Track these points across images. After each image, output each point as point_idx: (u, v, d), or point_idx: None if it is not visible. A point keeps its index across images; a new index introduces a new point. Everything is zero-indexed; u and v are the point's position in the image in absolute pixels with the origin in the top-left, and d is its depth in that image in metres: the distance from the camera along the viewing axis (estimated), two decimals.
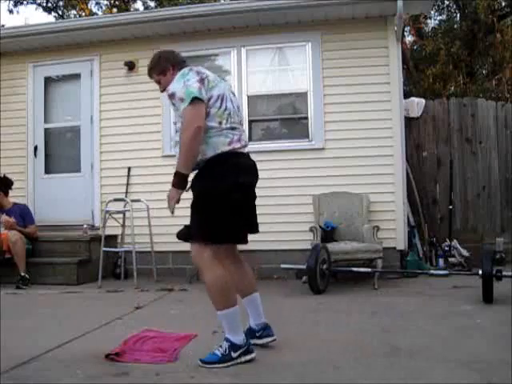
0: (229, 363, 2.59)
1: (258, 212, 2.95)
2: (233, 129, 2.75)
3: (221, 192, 2.67)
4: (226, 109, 2.74)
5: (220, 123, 2.70)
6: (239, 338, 2.64)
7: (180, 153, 2.62)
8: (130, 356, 2.76)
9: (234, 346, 2.61)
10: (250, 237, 2.93)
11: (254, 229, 2.91)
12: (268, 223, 6.01)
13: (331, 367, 2.56)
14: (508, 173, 6.92)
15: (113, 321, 3.75)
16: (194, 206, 2.79)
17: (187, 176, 2.67)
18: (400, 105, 6.00)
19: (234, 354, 2.60)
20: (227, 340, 2.63)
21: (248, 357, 2.63)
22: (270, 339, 2.89)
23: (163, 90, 2.93)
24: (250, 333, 2.92)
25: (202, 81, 2.67)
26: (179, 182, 2.67)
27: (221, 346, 2.63)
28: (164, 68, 2.92)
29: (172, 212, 2.76)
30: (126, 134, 6.51)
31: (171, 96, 2.70)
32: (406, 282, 5.35)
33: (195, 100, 2.58)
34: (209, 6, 6.47)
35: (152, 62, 3.00)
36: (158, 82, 2.98)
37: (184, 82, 2.65)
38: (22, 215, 5.98)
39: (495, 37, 12.08)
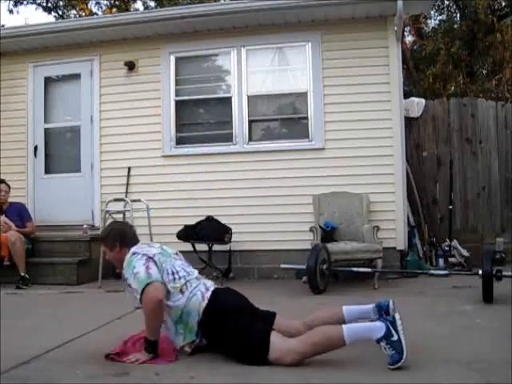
0: (403, 349, 2.48)
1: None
2: (194, 287, 2.84)
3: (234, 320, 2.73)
4: (180, 278, 2.85)
5: (182, 292, 2.81)
6: (379, 328, 2.52)
7: (146, 325, 2.72)
8: (130, 356, 2.75)
9: (385, 337, 2.50)
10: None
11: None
12: (268, 223, 6.03)
13: (331, 367, 2.55)
14: (508, 173, 6.93)
15: (113, 321, 3.75)
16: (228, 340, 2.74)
17: (156, 342, 2.73)
18: (400, 105, 6.00)
19: (394, 338, 2.49)
20: (378, 340, 2.52)
21: (398, 323, 2.52)
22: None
23: (111, 260, 3.05)
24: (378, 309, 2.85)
25: (148, 261, 2.77)
26: (149, 347, 2.72)
27: (384, 349, 2.52)
28: (112, 244, 3.00)
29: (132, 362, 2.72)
30: (126, 134, 6.51)
31: (128, 285, 2.81)
32: (406, 282, 5.35)
33: (147, 285, 2.67)
34: (209, 6, 6.47)
35: (103, 233, 3.15)
36: (104, 253, 3.10)
37: (133, 274, 2.74)
38: (20, 214, 5.99)
39: (495, 37, 12.08)
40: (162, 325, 2.77)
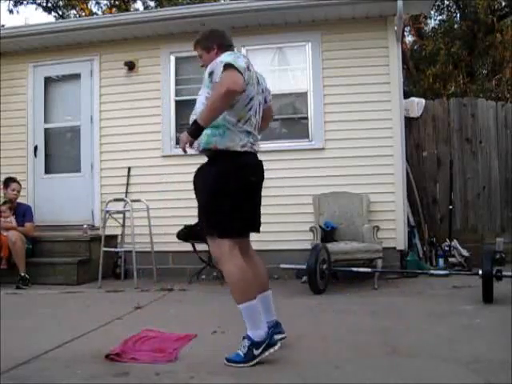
0: (253, 361, 2.58)
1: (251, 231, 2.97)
2: (248, 133, 2.78)
3: (230, 189, 2.70)
4: (249, 109, 2.77)
5: (238, 121, 2.72)
6: (260, 334, 2.61)
7: (206, 106, 2.62)
8: (130, 356, 2.75)
9: (255, 344, 2.59)
10: (250, 237, 2.94)
11: (258, 226, 2.96)
12: (268, 223, 5.98)
13: (332, 367, 2.56)
14: (508, 173, 6.92)
15: (113, 321, 3.75)
16: (203, 203, 2.79)
17: (203, 128, 2.62)
18: (400, 105, 6.00)
19: (256, 352, 2.58)
20: (248, 338, 2.61)
21: (272, 350, 2.62)
22: (279, 336, 2.86)
23: (203, 65, 2.94)
24: None
25: (247, 68, 2.69)
26: (194, 131, 2.62)
27: (242, 347, 2.61)
28: (210, 45, 2.91)
29: (183, 151, 2.72)
30: (126, 134, 6.51)
31: (210, 74, 2.70)
32: (406, 282, 5.35)
33: (235, 68, 2.56)
34: (209, 6, 6.46)
35: (200, 36, 3.00)
36: (200, 57, 2.98)
37: (234, 57, 2.67)
38: (23, 214, 5.99)
39: (495, 37, 12.08)
40: (220, 114, 2.63)
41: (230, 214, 2.70)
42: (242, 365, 2.57)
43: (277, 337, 2.82)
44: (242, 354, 2.60)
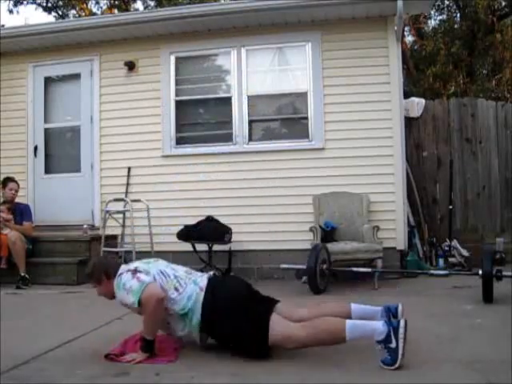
0: (399, 355, 2.47)
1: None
2: (187, 282, 2.87)
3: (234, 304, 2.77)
4: (175, 276, 2.88)
5: (177, 289, 2.82)
6: (377, 327, 2.53)
7: (146, 324, 2.74)
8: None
9: (384, 341, 2.50)
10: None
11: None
12: (268, 223, 6.03)
13: (332, 367, 2.55)
14: (508, 173, 6.92)
15: (113, 321, 3.75)
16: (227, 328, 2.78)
17: (153, 341, 2.76)
18: (400, 105, 6.00)
19: (392, 345, 2.49)
20: (378, 342, 2.53)
21: (401, 331, 2.49)
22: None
23: (110, 298, 3.00)
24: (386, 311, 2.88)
25: (134, 274, 2.80)
26: (145, 346, 2.74)
27: (380, 350, 2.53)
28: (98, 277, 2.99)
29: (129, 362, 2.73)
30: (126, 134, 6.51)
31: (124, 305, 2.85)
32: (406, 282, 5.35)
33: (143, 290, 2.70)
34: (209, 6, 6.46)
35: (87, 270, 3.11)
36: (95, 287, 3.06)
37: (126, 290, 2.76)
38: (22, 213, 5.99)
39: (495, 37, 12.08)
40: (160, 324, 2.79)
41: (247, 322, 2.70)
42: (395, 365, 2.47)
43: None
44: (387, 357, 2.50)
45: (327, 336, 2.61)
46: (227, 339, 2.79)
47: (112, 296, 2.93)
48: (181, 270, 3.00)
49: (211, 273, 3.04)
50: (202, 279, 2.91)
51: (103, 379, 2.46)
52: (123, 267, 2.96)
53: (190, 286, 2.85)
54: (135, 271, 2.83)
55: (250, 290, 2.94)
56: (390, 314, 2.80)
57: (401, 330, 2.50)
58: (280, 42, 6.33)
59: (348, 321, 2.61)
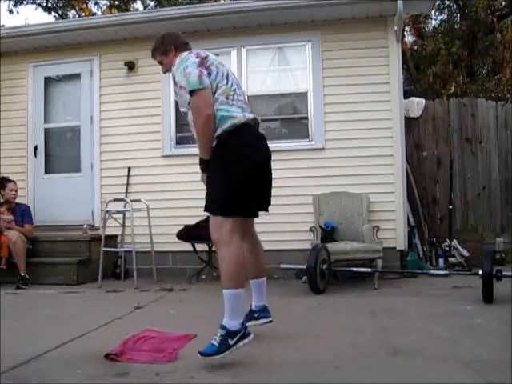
0: (227, 351, 2.57)
1: (258, 212, 2.96)
2: (241, 108, 2.80)
3: (237, 167, 2.69)
4: (231, 85, 2.81)
5: (227, 98, 2.75)
6: (235, 323, 2.61)
7: (198, 142, 2.73)
8: (130, 356, 2.75)
9: (230, 334, 2.59)
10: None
11: (266, 205, 2.96)
12: (268, 223, 5.99)
13: (332, 367, 2.55)
14: (508, 173, 6.92)
15: (113, 321, 3.74)
16: (211, 179, 2.79)
17: (209, 160, 2.75)
18: (400, 105, 6.00)
19: (231, 341, 2.58)
20: (223, 327, 2.61)
21: (246, 340, 2.63)
22: (265, 320, 2.96)
23: (165, 71, 3.03)
24: (250, 313, 3.00)
25: (201, 63, 2.73)
26: (205, 166, 2.79)
27: (216, 335, 2.61)
28: (166, 49, 2.98)
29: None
30: (126, 134, 6.51)
31: (174, 81, 2.80)
32: (406, 282, 5.35)
33: (198, 90, 2.65)
34: (209, 6, 6.48)
35: (155, 43, 3.08)
36: (161, 63, 3.06)
37: (183, 70, 2.72)
38: (23, 215, 5.99)
39: (495, 37, 12.08)
40: (212, 140, 2.71)
41: (236, 191, 2.68)
42: (216, 356, 2.55)
43: (263, 320, 2.93)
44: (216, 344, 2.58)
45: (227, 274, 2.63)
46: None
47: (167, 69, 2.94)
48: (243, 92, 2.94)
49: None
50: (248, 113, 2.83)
51: (103, 379, 2.46)
52: (194, 50, 2.88)
53: (237, 107, 2.77)
54: (203, 61, 2.74)
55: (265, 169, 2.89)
56: (255, 315, 2.94)
57: (245, 341, 2.62)
58: (280, 42, 6.33)
59: (243, 290, 2.65)
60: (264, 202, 2.94)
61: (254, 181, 2.75)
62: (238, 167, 2.69)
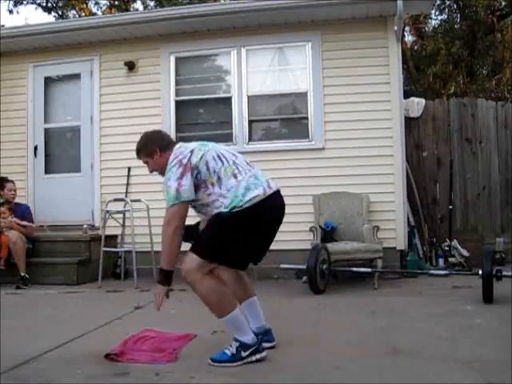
0: (239, 362, 2.58)
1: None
2: (253, 182, 2.71)
3: (244, 223, 2.66)
4: (229, 162, 2.74)
5: (235, 177, 2.69)
6: (248, 338, 2.63)
7: (163, 251, 2.70)
8: (130, 356, 2.75)
9: (244, 346, 2.60)
10: None
11: (258, 260, 2.94)
12: None
13: (332, 367, 2.55)
14: (508, 173, 6.92)
15: (113, 321, 3.75)
16: (215, 228, 2.73)
17: (171, 273, 2.69)
18: (400, 105, 6.00)
19: (244, 354, 2.59)
20: (236, 340, 2.62)
21: (258, 356, 2.62)
22: (268, 345, 2.83)
23: (151, 171, 3.03)
24: None
25: (184, 171, 2.67)
26: (164, 278, 2.69)
27: (231, 346, 2.62)
28: (151, 151, 2.92)
29: (158, 309, 2.73)
30: (125, 134, 6.48)
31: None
32: (406, 282, 5.35)
33: (173, 204, 2.66)
34: (209, 6, 6.48)
35: (139, 144, 3.04)
36: (146, 163, 3.02)
37: (167, 185, 2.71)
38: (23, 215, 5.99)
39: (495, 37, 12.08)
40: (177, 254, 2.70)
41: (230, 246, 2.66)
42: (227, 364, 2.57)
43: (266, 345, 2.78)
44: (229, 353, 2.60)
45: (214, 306, 2.63)
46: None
47: (153, 169, 2.93)
48: (242, 158, 2.85)
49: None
50: (268, 180, 2.77)
51: (103, 379, 2.46)
52: (178, 149, 2.78)
53: (256, 177, 2.72)
54: (186, 167, 2.67)
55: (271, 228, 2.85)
56: (263, 336, 2.83)
57: (257, 356, 2.61)
58: (280, 42, 6.32)
59: (238, 309, 2.65)
60: (258, 259, 2.91)
61: (258, 244, 2.78)
62: (249, 237, 2.68)
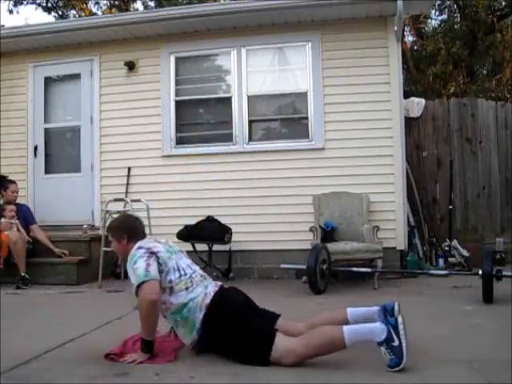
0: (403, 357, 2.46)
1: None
2: (198, 284, 2.84)
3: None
4: (185, 274, 2.85)
5: (187, 289, 2.80)
6: (376, 331, 2.51)
7: (142, 324, 2.73)
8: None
9: (387, 340, 2.47)
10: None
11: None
12: (268, 223, 6.03)
13: (332, 367, 2.55)
14: (508, 173, 6.93)
15: (113, 321, 3.75)
16: (226, 338, 2.72)
17: (152, 342, 2.75)
18: (400, 105, 6.00)
19: (395, 343, 2.47)
20: (380, 343, 2.50)
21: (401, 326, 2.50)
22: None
23: (116, 252, 3.09)
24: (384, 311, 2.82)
25: (149, 257, 2.76)
26: (145, 347, 2.74)
27: (385, 354, 2.50)
28: (119, 237, 3.00)
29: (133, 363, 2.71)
30: (125, 134, 6.51)
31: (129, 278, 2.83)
32: (406, 282, 5.35)
33: (142, 283, 2.68)
34: (209, 6, 6.48)
35: (113, 223, 3.14)
36: (110, 242, 3.10)
37: (133, 269, 2.75)
38: (24, 216, 5.99)
39: (495, 37, 12.08)
40: (155, 326, 2.76)
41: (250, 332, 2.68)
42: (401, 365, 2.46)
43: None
44: (393, 356, 2.47)
45: (326, 346, 2.57)
46: (228, 348, 2.72)
47: (125, 257, 2.94)
48: (198, 271, 2.98)
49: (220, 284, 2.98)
50: (213, 286, 2.89)
51: (103, 379, 2.46)
52: (147, 241, 2.93)
53: (199, 289, 2.82)
54: (152, 255, 2.78)
55: (251, 304, 2.92)
56: (387, 314, 2.75)
57: (400, 327, 2.50)
58: (280, 42, 6.33)
59: (345, 327, 2.57)
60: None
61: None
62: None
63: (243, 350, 2.64)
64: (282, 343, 2.60)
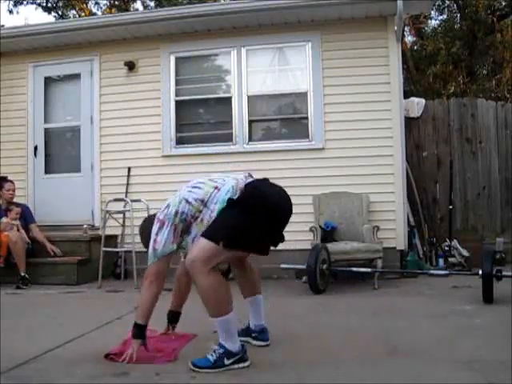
0: (220, 369, 2.52)
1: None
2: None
3: (250, 203, 2.65)
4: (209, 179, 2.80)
5: (216, 187, 2.71)
6: (235, 346, 2.56)
7: (139, 306, 2.80)
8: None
9: (228, 353, 2.54)
10: None
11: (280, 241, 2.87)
12: None
13: (331, 367, 2.55)
14: (508, 173, 6.92)
15: (113, 321, 3.75)
16: (229, 213, 2.62)
17: (144, 327, 2.75)
18: (400, 105, 6.00)
19: (227, 361, 2.53)
20: (222, 346, 2.56)
21: (241, 365, 2.56)
22: (262, 343, 2.93)
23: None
24: (247, 331, 2.98)
25: (160, 230, 2.71)
26: (139, 332, 2.74)
27: (214, 352, 2.56)
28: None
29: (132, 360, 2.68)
30: (125, 134, 6.51)
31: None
32: (406, 282, 5.35)
33: (150, 264, 2.74)
34: (209, 6, 6.48)
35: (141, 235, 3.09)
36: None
37: (152, 240, 2.73)
38: (24, 216, 5.99)
39: (495, 37, 12.08)
40: (151, 310, 2.77)
41: (255, 229, 2.60)
42: (207, 370, 2.50)
43: (259, 343, 2.91)
44: (212, 359, 2.53)
45: (212, 303, 2.56)
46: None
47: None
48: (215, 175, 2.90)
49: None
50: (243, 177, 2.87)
51: (103, 379, 2.46)
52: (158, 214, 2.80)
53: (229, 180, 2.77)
54: (162, 226, 2.69)
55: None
56: (256, 334, 2.92)
57: (240, 365, 2.55)
58: (280, 42, 6.32)
59: (233, 314, 2.58)
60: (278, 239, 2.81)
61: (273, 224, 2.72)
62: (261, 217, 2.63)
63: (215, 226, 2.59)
64: (215, 259, 2.55)
